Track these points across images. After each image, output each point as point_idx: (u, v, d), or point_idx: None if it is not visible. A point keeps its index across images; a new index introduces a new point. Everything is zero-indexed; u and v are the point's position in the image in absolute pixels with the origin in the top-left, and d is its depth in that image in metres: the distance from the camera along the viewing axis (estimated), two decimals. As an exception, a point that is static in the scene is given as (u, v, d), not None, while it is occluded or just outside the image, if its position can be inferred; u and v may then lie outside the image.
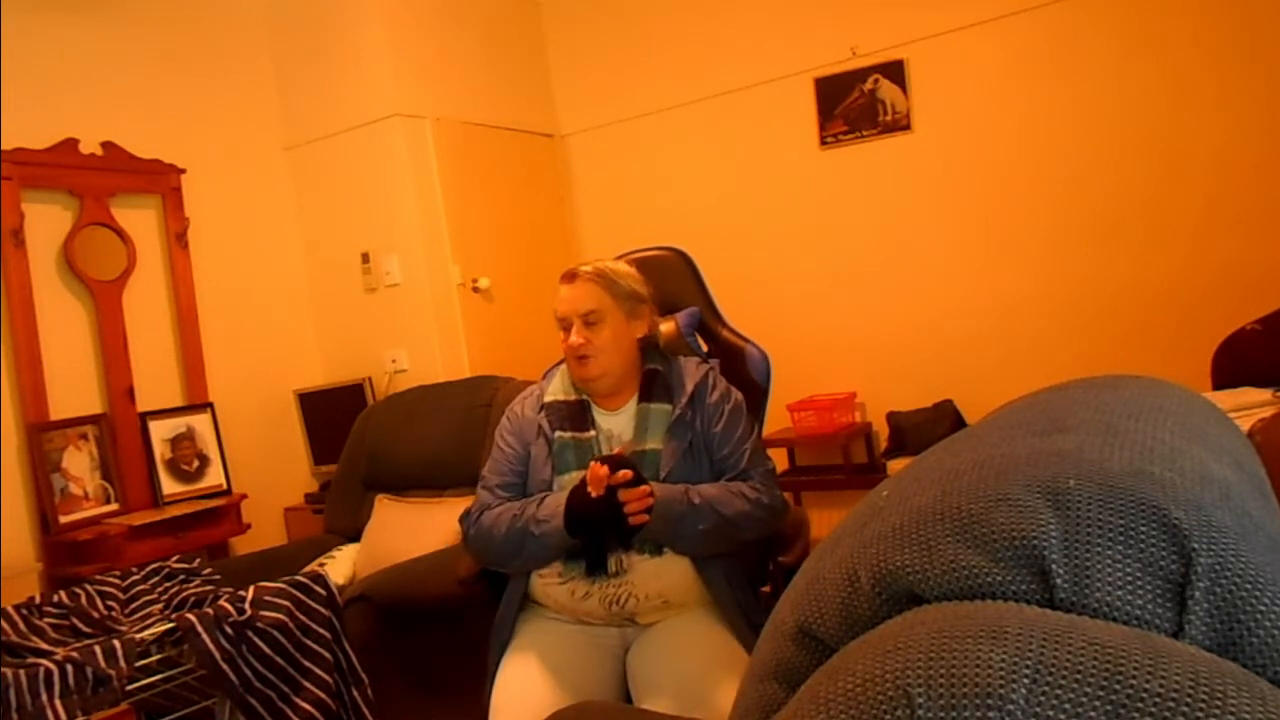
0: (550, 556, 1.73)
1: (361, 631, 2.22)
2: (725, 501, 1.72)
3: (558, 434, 1.81)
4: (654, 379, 1.85)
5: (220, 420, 3.46)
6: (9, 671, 1.72)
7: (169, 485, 3.28)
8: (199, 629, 1.95)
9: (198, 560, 2.53)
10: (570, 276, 1.85)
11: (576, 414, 1.83)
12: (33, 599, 2.24)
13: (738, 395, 1.89)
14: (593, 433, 1.81)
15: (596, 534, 1.68)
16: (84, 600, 2.25)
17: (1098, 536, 0.57)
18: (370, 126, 3.75)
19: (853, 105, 3.85)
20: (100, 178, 3.29)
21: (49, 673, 1.75)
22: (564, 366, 1.93)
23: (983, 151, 3.63)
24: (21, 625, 2.10)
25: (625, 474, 1.64)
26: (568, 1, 4.48)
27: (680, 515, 1.67)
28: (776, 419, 3.71)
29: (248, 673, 1.99)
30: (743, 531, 1.73)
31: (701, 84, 4.16)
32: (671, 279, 2.28)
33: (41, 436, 2.99)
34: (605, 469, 1.64)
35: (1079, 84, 3.44)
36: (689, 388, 1.83)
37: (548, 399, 1.88)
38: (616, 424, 1.84)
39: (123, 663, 1.84)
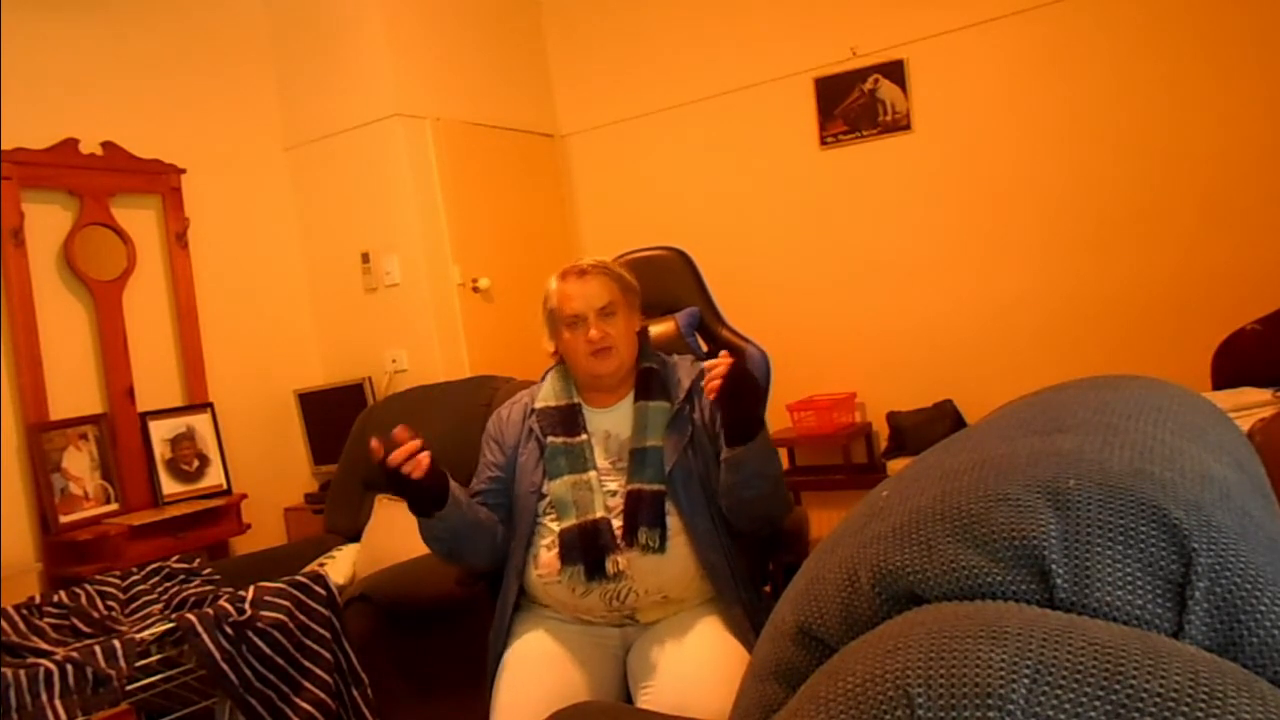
0: (436, 533, 1.72)
1: (361, 631, 2.22)
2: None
3: (550, 439, 1.81)
4: (650, 376, 1.85)
5: (220, 420, 3.46)
6: (9, 671, 1.72)
7: (169, 485, 3.28)
8: (199, 629, 1.95)
9: (198, 560, 2.53)
10: (578, 272, 1.84)
11: (568, 418, 1.83)
12: (33, 599, 2.24)
13: None
14: (584, 436, 1.81)
15: (401, 484, 1.66)
16: (84, 600, 2.25)
17: (1098, 536, 0.57)
18: (370, 126, 3.75)
19: (853, 105, 3.85)
20: (100, 178, 3.29)
21: (49, 673, 1.75)
22: (554, 371, 1.93)
23: (982, 151, 3.63)
24: (21, 625, 2.10)
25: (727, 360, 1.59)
26: (568, 1, 4.48)
27: (773, 448, 1.71)
28: (776, 419, 3.71)
29: (248, 673, 1.99)
30: (782, 498, 1.76)
31: (701, 84, 4.16)
32: (671, 279, 2.29)
33: (41, 436, 2.99)
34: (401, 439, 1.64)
35: (1079, 84, 3.44)
36: (685, 383, 1.83)
37: (538, 405, 1.88)
38: (612, 423, 1.84)
39: (123, 663, 1.84)
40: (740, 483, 1.68)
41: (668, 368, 1.89)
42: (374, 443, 1.63)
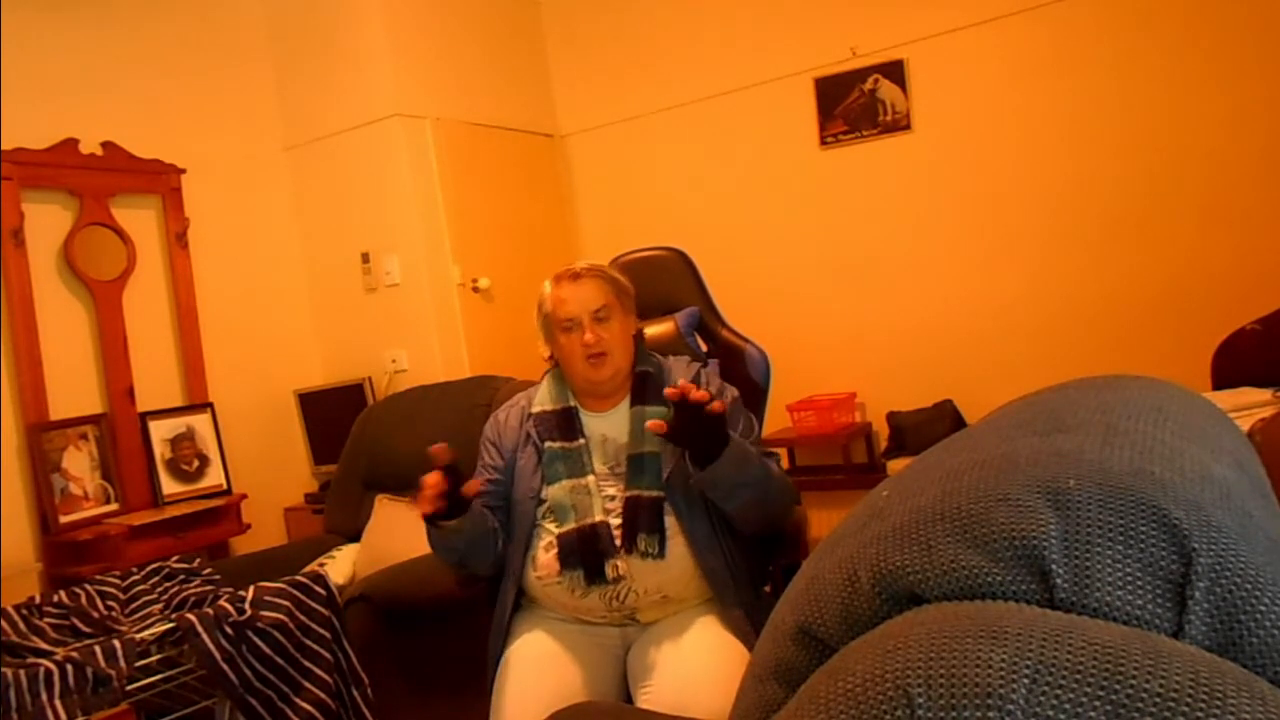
0: (450, 542, 1.72)
1: (361, 631, 2.22)
2: (765, 460, 1.75)
3: (548, 444, 1.80)
4: (646, 381, 1.84)
5: (220, 420, 3.46)
6: (9, 671, 1.72)
7: (169, 485, 3.28)
8: (199, 629, 1.95)
9: (198, 560, 2.53)
10: (572, 276, 1.84)
11: (565, 422, 1.83)
12: (33, 599, 2.24)
13: (733, 390, 1.89)
14: (581, 441, 1.81)
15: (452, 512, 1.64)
16: (84, 600, 2.25)
17: (1098, 536, 0.57)
18: (370, 126, 3.74)
19: (853, 105, 3.85)
20: (100, 178, 3.29)
21: (49, 673, 1.75)
22: (551, 374, 1.92)
23: (982, 151, 3.63)
24: (21, 625, 2.10)
25: (688, 387, 1.58)
26: (568, 1, 4.48)
27: (746, 454, 1.67)
28: (776, 419, 3.71)
29: (248, 673, 1.99)
30: (777, 498, 1.76)
31: (702, 84, 4.16)
32: (671, 279, 2.29)
33: (41, 436, 2.99)
34: (436, 476, 1.60)
35: (1079, 84, 3.44)
36: None
37: (535, 409, 1.87)
38: (608, 427, 1.83)
39: (123, 663, 1.84)
40: (721, 497, 1.69)
41: (663, 371, 1.88)
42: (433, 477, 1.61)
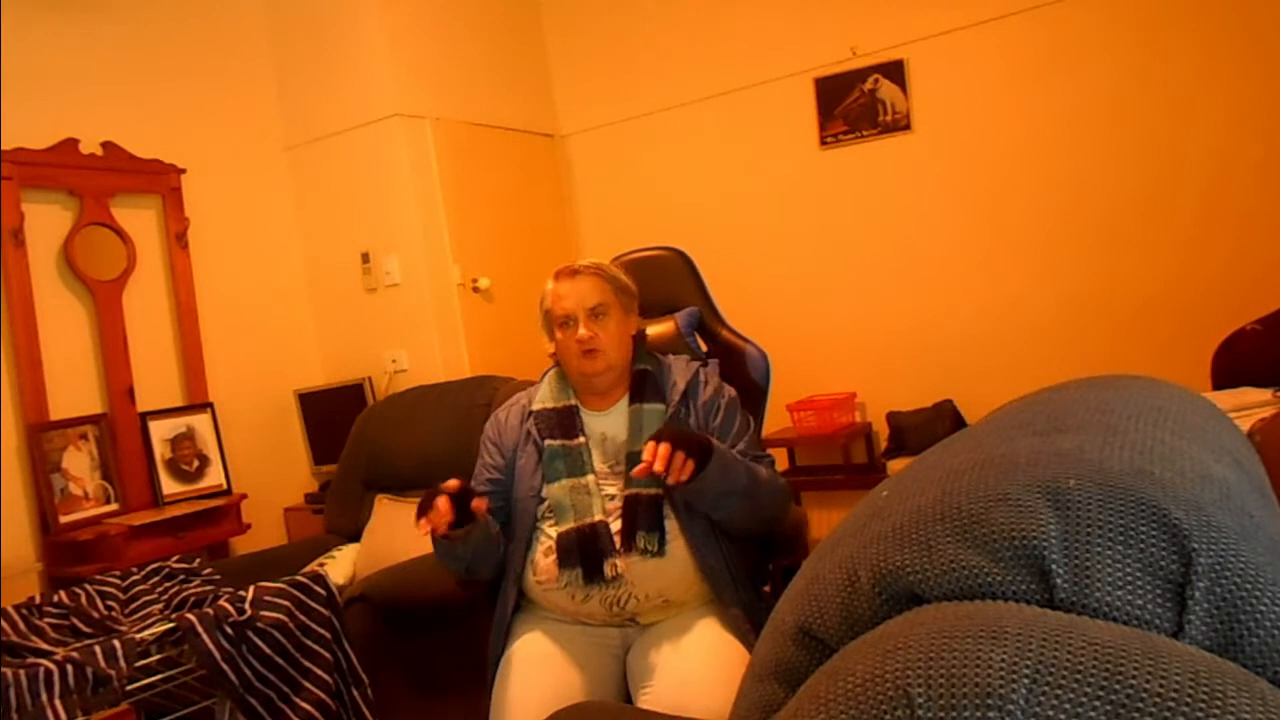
0: (457, 553, 1.71)
1: (361, 631, 2.22)
2: (753, 466, 1.75)
3: (548, 442, 1.81)
4: (644, 379, 1.85)
5: (220, 420, 3.46)
6: (9, 671, 1.72)
7: (169, 485, 3.28)
8: (199, 629, 1.95)
9: (198, 560, 2.52)
10: (570, 272, 1.85)
11: (566, 420, 1.83)
12: (33, 599, 2.24)
13: (731, 390, 1.90)
14: (582, 439, 1.81)
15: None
16: (84, 600, 2.25)
17: (1098, 536, 0.57)
18: (370, 126, 3.74)
19: (853, 105, 3.85)
20: (100, 178, 3.29)
21: (49, 673, 1.75)
22: (552, 373, 1.93)
23: (982, 151, 3.63)
24: (21, 625, 2.10)
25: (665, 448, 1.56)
26: (568, 1, 4.48)
27: (731, 463, 1.67)
28: (776, 419, 3.71)
29: (248, 673, 1.99)
30: (767, 502, 1.75)
31: (701, 84, 4.16)
32: (671, 279, 2.29)
33: (41, 436, 2.99)
34: (447, 502, 1.57)
35: (1079, 84, 3.44)
36: (681, 386, 1.83)
37: (535, 407, 1.88)
38: (608, 425, 1.84)
39: (123, 663, 1.84)
40: (707, 507, 1.69)
41: (663, 369, 1.89)
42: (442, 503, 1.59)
